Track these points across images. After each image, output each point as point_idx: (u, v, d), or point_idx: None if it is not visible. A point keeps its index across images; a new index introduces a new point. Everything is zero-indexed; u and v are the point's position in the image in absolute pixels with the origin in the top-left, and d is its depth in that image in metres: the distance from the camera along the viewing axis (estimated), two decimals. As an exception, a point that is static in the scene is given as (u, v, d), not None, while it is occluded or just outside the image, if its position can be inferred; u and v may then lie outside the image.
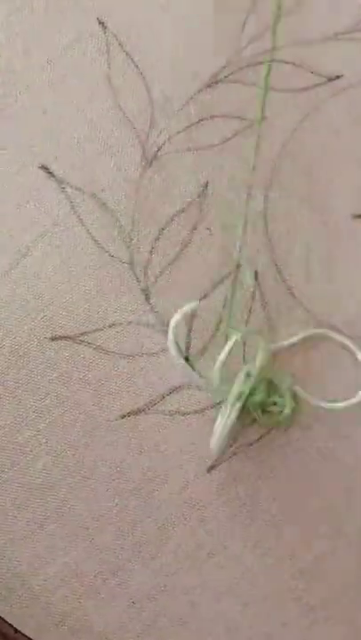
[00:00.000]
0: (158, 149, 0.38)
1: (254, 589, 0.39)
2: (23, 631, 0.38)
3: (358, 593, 0.40)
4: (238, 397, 0.36)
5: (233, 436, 0.38)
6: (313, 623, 0.39)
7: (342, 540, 0.39)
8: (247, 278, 0.38)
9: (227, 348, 0.36)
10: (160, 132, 0.38)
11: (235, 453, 0.38)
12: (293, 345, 0.39)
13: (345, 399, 0.38)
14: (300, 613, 0.39)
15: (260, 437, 0.38)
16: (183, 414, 0.38)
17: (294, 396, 0.37)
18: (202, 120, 0.38)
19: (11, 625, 0.38)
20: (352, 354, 0.39)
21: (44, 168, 0.37)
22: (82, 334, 0.37)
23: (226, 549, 0.38)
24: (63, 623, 0.38)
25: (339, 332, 0.39)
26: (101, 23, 0.37)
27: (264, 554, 0.39)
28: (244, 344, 0.38)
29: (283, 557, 0.39)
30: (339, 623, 0.39)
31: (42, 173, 0.37)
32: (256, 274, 0.38)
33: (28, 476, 0.37)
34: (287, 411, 0.37)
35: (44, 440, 0.37)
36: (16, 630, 0.38)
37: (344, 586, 0.39)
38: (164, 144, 0.38)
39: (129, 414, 0.37)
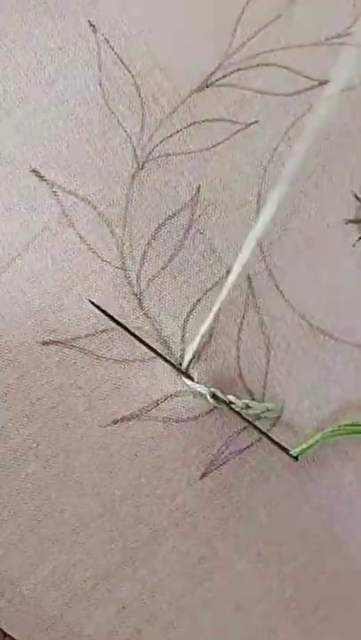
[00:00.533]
0: (150, 153, 0.36)
1: (244, 594, 0.38)
2: (12, 635, 0.37)
3: (348, 598, 0.39)
4: None
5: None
6: (302, 630, 0.38)
7: (332, 545, 0.38)
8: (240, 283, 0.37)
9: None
10: (151, 136, 0.37)
11: (227, 460, 0.37)
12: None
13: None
14: (290, 619, 0.38)
15: (251, 444, 0.37)
16: (177, 421, 0.37)
17: (214, 396, 0.37)
18: (193, 123, 0.37)
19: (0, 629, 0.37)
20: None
21: (36, 172, 0.36)
22: (73, 339, 0.36)
23: (217, 555, 0.38)
24: (53, 627, 0.37)
25: (330, 336, 0.38)
26: (92, 25, 0.36)
27: (254, 559, 0.38)
28: (239, 349, 0.37)
29: (272, 562, 0.38)
30: (328, 630, 0.38)
31: (33, 178, 0.36)
32: (249, 278, 0.37)
33: (19, 480, 0.36)
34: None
35: (34, 445, 0.36)
36: (5, 634, 0.37)
37: (333, 591, 0.39)
38: (155, 147, 0.37)
39: (122, 420, 0.36)
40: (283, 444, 0.38)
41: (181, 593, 0.38)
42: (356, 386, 0.38)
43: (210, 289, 0.37)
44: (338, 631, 0.39)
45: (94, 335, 0.36)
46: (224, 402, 0.36)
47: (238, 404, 0.36)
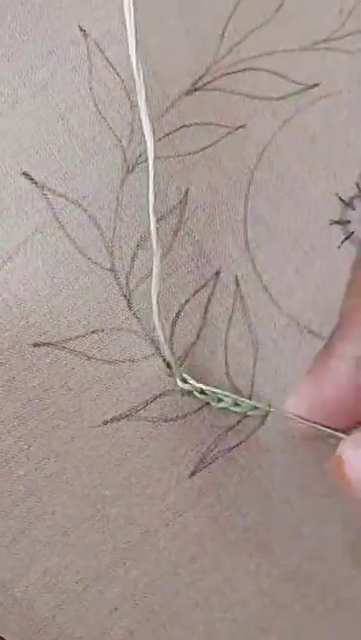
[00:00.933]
0: (139, 156, 0.37)
1: (235, 594, 0.38)
2: (4, 637, 0.37)
3: (343, 596, 0.39)
4: None
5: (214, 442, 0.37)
6: (296, 629, 0.38)
7: (324, 544, 0.39)
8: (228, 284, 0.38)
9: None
10: (141, 139, 0.37)
11: (216, 458, 0.37)
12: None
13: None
14: (284, 619, 0.38)
15: (240, 442, 0.38)
16: (166, 421, 0.37)
17: (202, 393, 0.37)
18: (182, 127, 0.38)
19: (-8, 631, 0.37)
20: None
21: (26, 175, 0.36)
22: (64, 341, 0.36)
23: (207, 554, 0.38)
24: (45, 630, 0.37)
25: (317, 336, 0.38)
26: (82, 30, 0.36)
27: (245, 559, 0.38)
28: (226, 349, 0.37)
29: (264, 562, 0.38)
30: (324, 630, 0.39)
31: (24, 180, 0.36)
32: (237, 279, 0.38)
33: (10, 482, 0.36)
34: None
35: (25, 447, 0.36)
36: (-2, 637, 0.37)
37: (327, 590, 0.39)
38: (144, 151, 0.37)
39: (111, 420, 0.36)
40: (271, 443, 0.38)
41: (173, 593, 0.38)
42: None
43: (198, 290, 0.38)
44: (331, 631, 0.39)
45: (84, 336, 0.36)
46: (212, 400, 0.37)
47: (227, 401, 0.37)
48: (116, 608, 0.37)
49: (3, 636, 0.37)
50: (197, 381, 0.37)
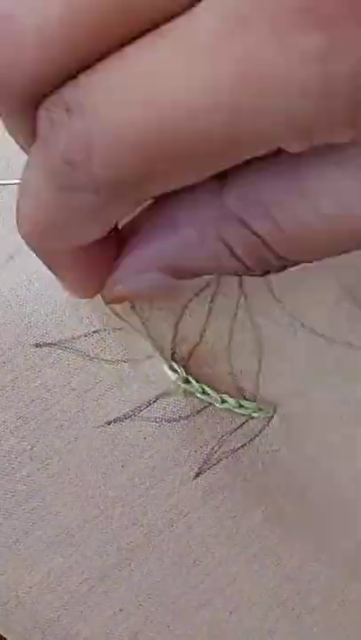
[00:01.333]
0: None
1: (240, 596, 0.38)
2: (8, 639, 0.37)
3: (346, 598, 0.39)
4: None
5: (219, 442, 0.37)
6: (299, 630, 0.38)
7: (329, 545, 0.38)
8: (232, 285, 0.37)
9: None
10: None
11: (220, 460, 0.37)
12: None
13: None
14: (287, 621, 0.38)
15: (245, 444, 0.37)
16: (169, 421, 0.36)
17: (205, 393, 0.37)
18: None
19: (-4, 632, 0.37)
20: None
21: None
22: (67, 340, 0.36)
23: (212, 556, 0.37)
24: (49, 631, 0.37)
25: (321, 336, 0.38)
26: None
27: (249, 560, 0.38)
28: (230, 349, 0.37)
29: (268, 564, 0.38)
30: (326, 631, 0.38)
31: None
32: (240, 279, 0.37)
33: (13, 482, 0.36)
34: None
35: (28, 447, 0.36)
36: (1, 637, 0.37)
37: (332, 591, 0.38)
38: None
39: (115, 421, 0.36)
40: (274, 445, 0.38)
41: (177, 595, 0.37)
42: (347, 386, 0.38)
43: (202, 289, 0.37)
44: (336, 632, 0.39)
45: (86, 336, 0.36)
46: (215, 401, 0.36)
47: (231, 402, 0.36)
48: (120, 609, 0.37)
49: (7, 637, 0.37)
50: (201, 382, 0.36)
